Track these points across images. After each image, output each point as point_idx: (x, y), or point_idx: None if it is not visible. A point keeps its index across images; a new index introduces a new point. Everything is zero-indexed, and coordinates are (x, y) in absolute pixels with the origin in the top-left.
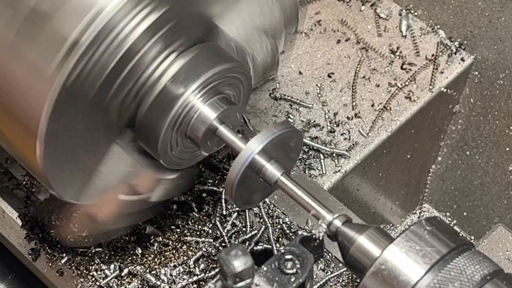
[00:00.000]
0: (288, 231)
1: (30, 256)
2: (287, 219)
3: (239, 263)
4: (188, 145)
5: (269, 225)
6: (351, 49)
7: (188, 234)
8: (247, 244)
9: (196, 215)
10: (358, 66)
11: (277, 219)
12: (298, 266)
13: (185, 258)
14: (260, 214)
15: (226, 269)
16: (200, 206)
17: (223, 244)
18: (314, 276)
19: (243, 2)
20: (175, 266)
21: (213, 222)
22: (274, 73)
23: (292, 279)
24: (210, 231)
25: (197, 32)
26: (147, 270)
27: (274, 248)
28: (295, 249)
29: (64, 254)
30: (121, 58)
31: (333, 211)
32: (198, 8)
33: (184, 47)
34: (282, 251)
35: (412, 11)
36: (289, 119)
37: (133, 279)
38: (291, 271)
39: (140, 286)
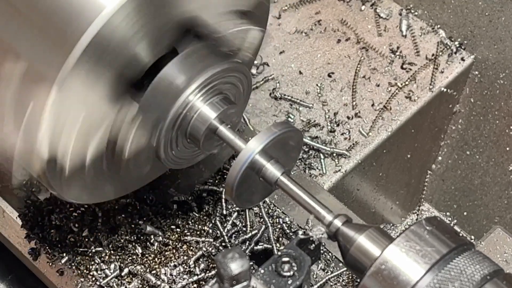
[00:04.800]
0: (288, 231)
1: (30, 256)
2: (287, 219)
3: (236, 266)
4: (188, 145)
5: (269, 225)
6: (351, 48)
7: (188, 234)
8: (247, 244)
9: (196, 215)
10: (358, 65)
11: (277, 219)
12: (295, 268)
13: (185, 257)
14: (260, 214)
15: (223, 272)
16: (200, 206)
17: (223, 243)
18: (314, 276)
19: None
20: (175, 266)
21: (213, 222)
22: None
23: (289, 282)
24: (210, 230)
25: (184, 28)
26: (147, 270)
27: (274, 248)
28: (292, 251)
29: (64, 254)
30: (119, 60)
31: (333, 211)
32: (177, 8)
33: (180, 47)
34: (279, 253)
35: (412, 11)
36: (289, 119)
37: (133, 278)
38: (288, 274)
39: (140, 285)
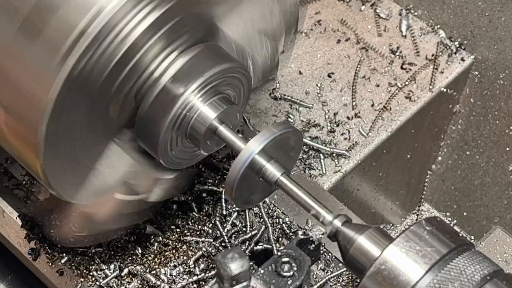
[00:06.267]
0: (288, 231)
1: (30, 256)
2: (287, 219)
3: (236, 266)
4: (188, 145)
5: (269, 225)
6: (351, 49)
7: (188, 234)
8: (247, 244)
9: (196, 215)
10: (358, 66)
11: (277, 219)
12: (295, 268)
13: (185, 258)
14: (260, 214)
15: (222, 272)
16: (200, 206)
17: (223, 244)
18: (314, 276)
19: (245, 5)
20: (175, 266)
21: (213, 222)
22: (274, 74)
23: (289, 282)
24: (210, 231)
25: (198, 32)
26: (147, 270)
27: (274, 248)
28: (292, 251)
29: (64, 254)
30: (123, 55)
31: (333, 211)
32: (200, 8)
33: (185, 47)
34: (279, 253)
35: (412, 11)
36: (289, 119)
37: (133, 279)
38: (288, 274)
39: (140, 286)
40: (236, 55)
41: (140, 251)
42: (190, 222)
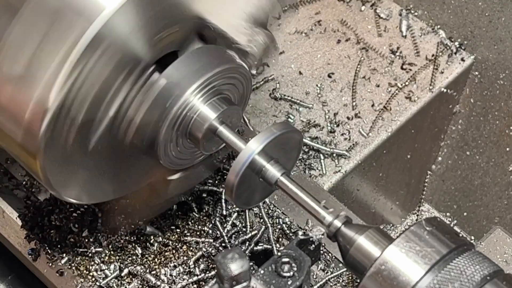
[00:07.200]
0: (288, 231)
1: (30, 256)
2: (287, 219)
3: (236, 266)
4: (188, 145)
5: (269, 225)
6: (351, 49)
7: (188, 234)
8: (247, 244)
9: (196, 215)
10: (358, 66)
11: (277, 219)
12: (295, 269)
13: (185, 258)
14: (260, 214)
15: (222, 272)
16: (200, 206)
17: (223, 244)
18: (314, 277)
19: None
20: (175, 266)
21: (213, 222)
22: (274, 54)
23: (289, 282)
24: (210, 231)
25: (189, 28)
26: (147, 270)
27: (274, 248)
28: (292, 252)
29: (64, 254)
30: (121, 58)
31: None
32: (186, 6)
33: (182, 45)
34: (279, 254)
35: (412, 11)
36: (289, 119)
37: (133, 279)
38: (288, 274)
39: (140, 286)
40: (228, 44)
41: (140, 251)
42: (190, 222)
